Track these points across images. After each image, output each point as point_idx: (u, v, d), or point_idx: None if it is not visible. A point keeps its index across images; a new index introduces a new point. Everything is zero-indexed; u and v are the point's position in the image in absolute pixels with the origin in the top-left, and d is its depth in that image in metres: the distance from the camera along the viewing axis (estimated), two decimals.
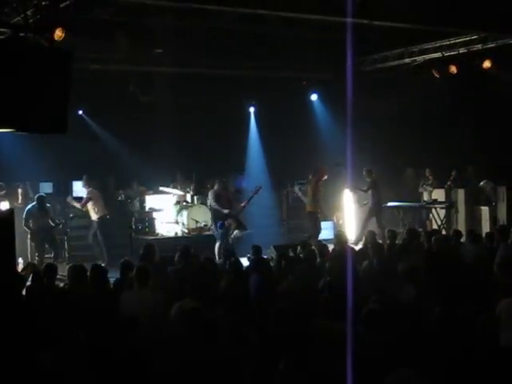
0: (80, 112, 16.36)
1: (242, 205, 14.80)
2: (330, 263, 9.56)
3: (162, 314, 7.41)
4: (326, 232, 15.79)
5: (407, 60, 16.01)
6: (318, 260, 9.98)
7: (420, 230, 14.07)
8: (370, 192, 15.92)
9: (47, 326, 6.77)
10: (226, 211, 14.21)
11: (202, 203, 16.66)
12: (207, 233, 15.88)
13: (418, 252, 10.18)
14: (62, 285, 9.34)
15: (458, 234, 11.83)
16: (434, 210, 16.19)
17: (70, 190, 16.33)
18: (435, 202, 16.26)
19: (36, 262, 13.29)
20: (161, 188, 16.91)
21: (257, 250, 10.26)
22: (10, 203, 14.39)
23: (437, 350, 5.80)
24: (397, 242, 11.62)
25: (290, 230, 17.45)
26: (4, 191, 14.57)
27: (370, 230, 12.56)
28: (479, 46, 14.35)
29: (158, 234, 16.16)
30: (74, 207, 15.27)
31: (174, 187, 16.96)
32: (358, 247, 12.09)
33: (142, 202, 16.72)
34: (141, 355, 5.84)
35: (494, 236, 11.11)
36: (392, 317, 6.68)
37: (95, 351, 5.94)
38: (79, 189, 16.23)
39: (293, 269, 9.24)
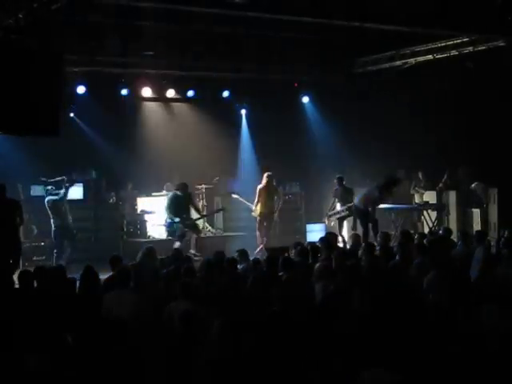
0: (72, 114, 16.30)
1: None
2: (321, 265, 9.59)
3: (145, 316, 7.42)
4: (317, 234, 15.79)
5: (398, 62, 16.03)
6: (310, 261, 10.00)
7: (412, 231, 14.08)
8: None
9: (35, 328, 6.75)
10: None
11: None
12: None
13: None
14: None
15: (448, 231, 12.02)
16: (425, 212, 16.22)
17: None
18: (427, 204, 16.30)
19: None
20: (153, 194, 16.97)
21: (243, 254, 10.27)
22: None
23: (431, 351, 5.80)
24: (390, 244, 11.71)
25: (281, 232, 17.43)
26: None
27: (356, 232, 12.67)
28: (470, 49, 14.39)
29: (149, 237, 16.15)
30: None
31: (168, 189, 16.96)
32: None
33: (134, 204, 16.72)
34: (129, 357, 5.83)
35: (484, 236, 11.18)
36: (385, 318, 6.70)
37: (83, 353, 5.91)
38: (71, 191, 16.20)
39: (286, 271, 9.25)
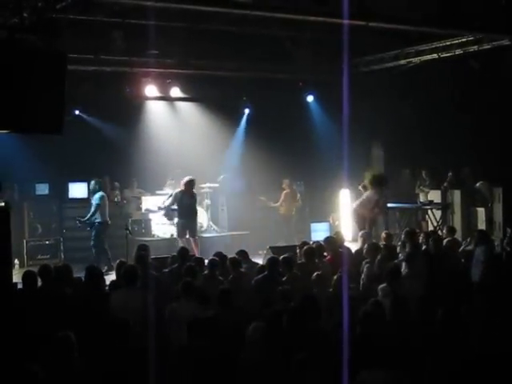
0: (77, 112, 16.29)
1: None
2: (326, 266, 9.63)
3: (152, 314, 7.42)
4: (322, 233, 15.79)
5: (403, 61, 16.01)
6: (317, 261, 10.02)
7: (417, 231, 14.06)
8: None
9: (38, 328, 6.75)
10: None
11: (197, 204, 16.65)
12: (202, 235, 15.94)
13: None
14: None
15: (452, 230, 12.02)
16: (430, 211, 16.19)
17: (66, 191, 16.28)
18: (431, 203, 16.27)
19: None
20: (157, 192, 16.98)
21: (242, 255, 10.29)
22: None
23: (438, 352, 5.80)
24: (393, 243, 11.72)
25: (286, 231, 17.42)
26: None
27: (366, 231, 12.65)
28: (475, 48, 14.36)
29: (154, 236, 16.16)
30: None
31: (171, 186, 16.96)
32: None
33: (139, 203, 16.72)
34: (133, 356, 5.84)
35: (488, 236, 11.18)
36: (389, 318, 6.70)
37: (86, 353, 5.91)
38: (76, 190, 16.24)
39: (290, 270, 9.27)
